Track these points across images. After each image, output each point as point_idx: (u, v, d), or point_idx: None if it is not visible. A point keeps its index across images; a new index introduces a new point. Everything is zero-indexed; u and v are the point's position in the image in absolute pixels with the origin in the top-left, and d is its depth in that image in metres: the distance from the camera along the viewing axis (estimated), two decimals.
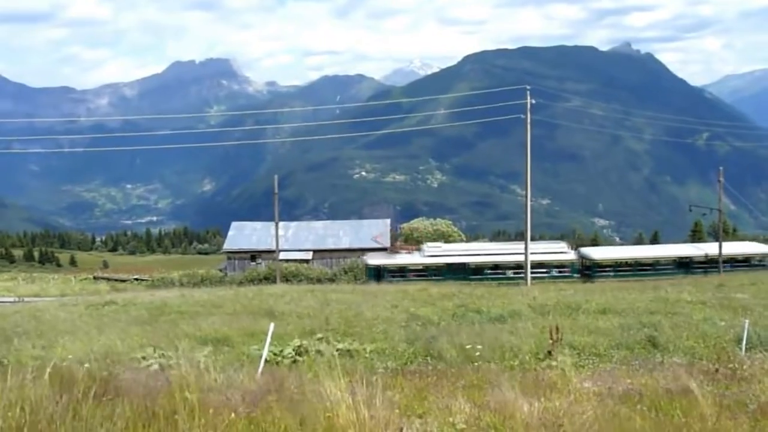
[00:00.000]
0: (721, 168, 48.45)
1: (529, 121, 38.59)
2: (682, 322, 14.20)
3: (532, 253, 42.01)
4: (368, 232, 62.30)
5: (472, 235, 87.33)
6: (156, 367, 8.34)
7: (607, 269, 44.82)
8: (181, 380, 6.53)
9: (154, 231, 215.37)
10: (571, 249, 48.31)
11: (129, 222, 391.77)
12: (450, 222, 69.55)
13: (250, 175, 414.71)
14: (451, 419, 6.04)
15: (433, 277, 43.20)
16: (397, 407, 6.26)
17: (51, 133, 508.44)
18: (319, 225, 70.76)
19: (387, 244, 57.90)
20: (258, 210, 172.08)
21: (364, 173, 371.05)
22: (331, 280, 46.65)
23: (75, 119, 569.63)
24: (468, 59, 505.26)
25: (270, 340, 9.47)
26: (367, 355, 10.89)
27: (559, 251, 46.48)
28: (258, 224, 65.47)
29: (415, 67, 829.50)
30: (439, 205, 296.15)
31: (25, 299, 39.95)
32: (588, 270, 45.02)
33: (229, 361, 10.33)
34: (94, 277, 69.47)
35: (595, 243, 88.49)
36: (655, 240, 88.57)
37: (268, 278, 47.30)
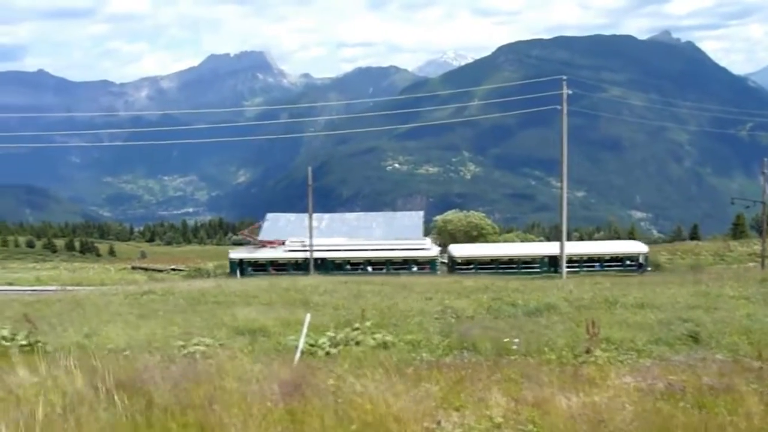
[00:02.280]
0: (766, 159, 47.17)
1: (565, 111, 38.00)
2: (724, 317, 13.84)
3: (390, 250, 45.59)
4: (401, 224, 62.28)
5: (506, 228, 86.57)
6: (194, 355, 8.45)
7: (470, 266, 45.04)
8: (218, 369, 6.60)
9: (190, 222, 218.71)
10: (438, 246, 48.73)
11: (166, 213, 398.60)
12: (483, 214, 69.12)
13: (285, 167, 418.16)
14: (488, 413, 5.98)
15: (293, 272, 44.09)
16: (433, 399, 6.23)
17: (91, 127, 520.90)
18: (352, 217, 71.00)
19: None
20: (292, 201, 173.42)
21: (397, 165, 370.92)
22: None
23: (114, 113, 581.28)
24: (502, 50, 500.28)
25: (306, 330, 9.51)
26: (402, 347, 10.87)
27: (421, 248, 46.90)
28: (292, 216, 65.98)
29: (449, 58, 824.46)
30: (472, 197, 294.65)
31: (67, 288, 41.00)
32: (452, 266, 45.50)
33: (266, 351, 10.42)
34: (132, 267, 70.90)
35: (632, 236, 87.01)
36: (694, 233, 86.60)
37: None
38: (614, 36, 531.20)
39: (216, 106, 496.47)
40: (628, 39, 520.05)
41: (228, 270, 47.20)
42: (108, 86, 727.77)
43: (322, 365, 8.22)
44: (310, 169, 48.51)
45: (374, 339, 11.00)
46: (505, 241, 59.86)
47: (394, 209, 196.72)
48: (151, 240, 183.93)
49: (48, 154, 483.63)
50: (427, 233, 63.84)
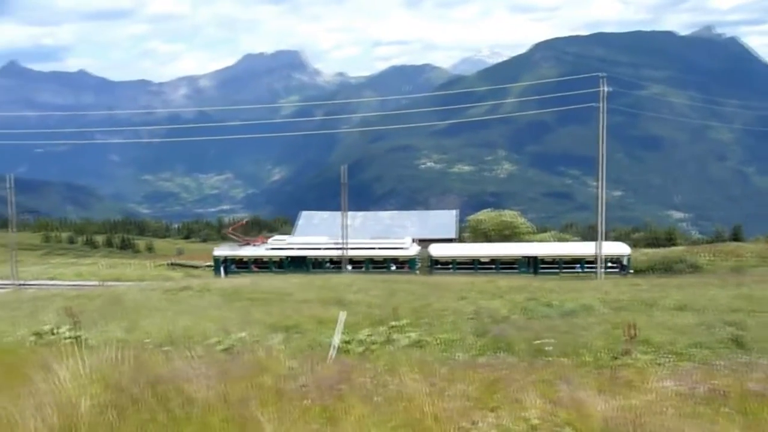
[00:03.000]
0: None
1: (603, 109, 37.42)
2: None
3: (370, 249, 46.00)
4: (435, 223, 62.17)
5: (541, 227, 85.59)
6: (231, 351, 8.55)
7: (448, 266, 44.95)
8: (255, 365, 6.67)
9: (226, 219, 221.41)
10: (417, 245, 48.52)
11: (202, 210, 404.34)
12: (517, 213, 68.42)
13: (319, 165, 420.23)
14: (524, 414, 5.92)
15: (275, 269, 44.93)
16: (468, 399, 6.20)
17: (130, 125, 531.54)
18: (385, 215, 71.10)
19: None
20: (326, 199, 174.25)
21: (431, 163, 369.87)
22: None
23: (152, 111, 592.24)
24: (539, 47, 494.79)
25: (341, 328, 9.55)
26: (436, 346, 10.84)
27: (400, 247, 46.90)
28: (326, 214, 66.37)
29: (484, 55, 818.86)
30: (506, 195, 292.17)
31: (107, 283, 41.97)
32: (431, 266, 45.46)
33: (300, 348, 10.50)
34: (169, 264, 72.03)
35: (670, 237, 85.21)
36: (737, 235, 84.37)
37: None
38: (654, 32, 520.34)
39: (251, 105, 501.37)
40: (669, 35, 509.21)
41: (213, 267, 48.11)
42: (147, 85, 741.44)
43: (357, 363, 8.25)
44: (344, 167, 48.64)
45: (408, 338, 11.00)
46: (541, 240, 59.23)
47: (427, 208, 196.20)
48: (187, 237, 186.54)
49: (89, 152, 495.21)
50: (460, 232, 63.53)
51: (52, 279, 52.29)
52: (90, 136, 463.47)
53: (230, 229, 59.31)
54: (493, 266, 44.28)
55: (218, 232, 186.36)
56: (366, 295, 20.34)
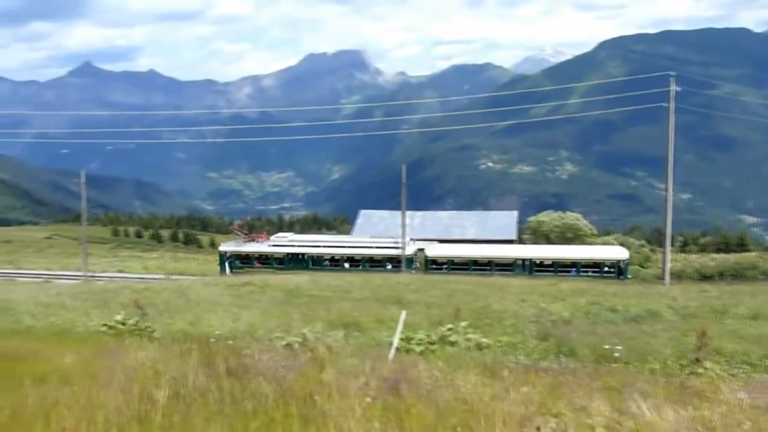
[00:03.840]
0: None
1: (672, 109, 36.19)
2: None
3: (364, 247, 46.45)
4: (495, 224, 61.42)
5: (604, 230, 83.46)
6: (293, 346, 8.68)
7: (443, 266, 44.66)
8: (317, 361, 6.74)
9: (286, 217, 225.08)
10: (414, 244, 47.95)
11: (263, 208, 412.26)
12: (579, 215, 66.94)
13: (379, 164, 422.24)
14: (589, 421, 5.78)
15: (276, 265, 45.71)
16: (531, 404, 6.10)
17: (195, 124, 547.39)
18: (444, 215, 70.72)
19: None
20: (385, 198, 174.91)
21: (490, 164, 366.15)
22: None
23: (217, 110, 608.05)
24: (604, 45, 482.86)
25: (401, 327, 9.55)
26: (496, 349, 10.72)
27: (396, 246, 46.56)
28: (385, 213, 66.51)
29: (547, 54, 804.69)
30: (568, 197, 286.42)
31: (172, 277, 43.29)
32: (427, 266, 45.29)
33: (360, 346, 10.55)
34: None
35: (742, 242, 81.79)
36: None
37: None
38: (727, 29, 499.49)
39: (314, 105, 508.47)
40: (742, 32, 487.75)
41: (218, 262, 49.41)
42: (212, 85, 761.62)
43: (417, 363, 8.24)
44: (404, 166, 48.58)
45: (468, 339, 10.91)
46: (604, 243, 57.80)
47: (487, 208, 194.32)
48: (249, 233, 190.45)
49: (156, 150, 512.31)
50: (520, 234, 62.62)
51: (120, 272, 54.37)
52: (157, 135, 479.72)
53: (235, 225, 60.45)
54: (489, 267, 43.84)
55: (279, 230, 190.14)
56: (424, 295, 20.29)
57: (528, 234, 62.02)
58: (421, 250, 47.08)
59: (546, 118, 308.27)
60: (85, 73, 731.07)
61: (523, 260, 43.78)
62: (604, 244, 58.88)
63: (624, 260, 42.51)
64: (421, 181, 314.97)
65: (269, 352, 7.31)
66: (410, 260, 45.43)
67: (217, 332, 11.30)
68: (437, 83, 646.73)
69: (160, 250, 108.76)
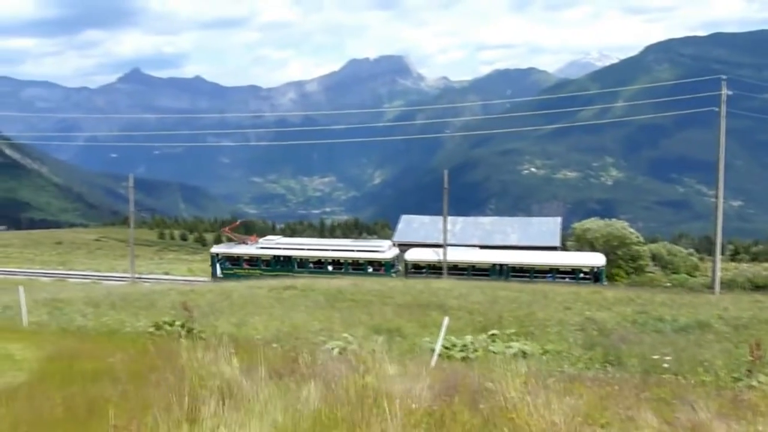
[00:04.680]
0: None
1: (723, 114, 35.18)
2: None
3: (347, 251, 47.15)
4: (538, 230, 60.62)
5: (650, 238, 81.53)
6: (337, 351, 8.72)
7: (422, 270, 45.43)
8: (362, 366, 6.75)
9: (328, 221, 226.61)
10: (396, 248, 48.83)
11: (305, 212, 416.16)
12: (626, 223, 65.48)
13: (421, 169, 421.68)
14: None
15: (263, 267, 46.91)
16: (577, 414, 5.99)
17: (240, 128, 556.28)
18: (486, 221, 70.11)
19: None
20: (426, 203, 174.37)
21: (533, 169, 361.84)
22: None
23: (261, 115, 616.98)
24: (651, 49, 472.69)
25: (444, 333, 9.51)
26: (540, 357, 10.56)
27: (377, 250, 47.07)
28: (426, 218, 66.30)
29: (592, 58, 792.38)
30: (613, 203, 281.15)
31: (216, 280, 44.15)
32: (406, 270, 46.01)
33: (402, 352, 10.53)
34: None
35: None
36: None
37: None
38: None
39: (356, 110, 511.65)
40: None
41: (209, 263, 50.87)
42: (256, 91, 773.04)
43: (460, 369, 8.18)
44: (446, 171, 48.42)
45: (512, 347, 10.79)
46: (650, 251, 56.50)
47: (529, 214, 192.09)
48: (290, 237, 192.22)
49: (201, 154, 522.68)
50: (564, 241, 61.64)
51: (165, 273, 55.59)
52: (203, 139, 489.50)
53: (227, 228, 61.46)
54: (466, 272, 44.44)
55: (320, 234, 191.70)
56: (466, 301, 20.15)
57: (572, 241, 60.93)
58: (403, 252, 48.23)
59: (591, 123, 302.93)
60: (134, 79, 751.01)
61: (501, 265, 44.46)
62: (650, 252, 57.67)
63: (600, 267, 42.82)
64: (463, 186, 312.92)
65: (314, 355, 7.35)
66: (391, 264, 46.20)
67: (261, 335, 11.43)
68: (480, 88, 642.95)
69: (204, 253, 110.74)
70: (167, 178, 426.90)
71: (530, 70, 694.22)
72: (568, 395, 7.00)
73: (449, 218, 50.65)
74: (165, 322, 12.33)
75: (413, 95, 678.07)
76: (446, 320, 9.78)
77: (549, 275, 42.73)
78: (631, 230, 59.28)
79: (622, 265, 53.68)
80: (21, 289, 15.59)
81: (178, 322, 11.98)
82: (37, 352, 9.23)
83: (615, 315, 16.72)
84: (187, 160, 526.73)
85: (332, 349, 8.92)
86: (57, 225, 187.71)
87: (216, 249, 51.55)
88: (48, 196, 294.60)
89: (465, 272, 44.26)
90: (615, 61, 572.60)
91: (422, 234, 61.51)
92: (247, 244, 51.02)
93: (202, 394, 5.17)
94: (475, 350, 10.12)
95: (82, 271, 56.29)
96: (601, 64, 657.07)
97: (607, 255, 55.55)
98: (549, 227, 61.47)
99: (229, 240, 53.02)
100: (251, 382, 5.50)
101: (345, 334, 11.05)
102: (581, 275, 42.22)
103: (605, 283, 41.84)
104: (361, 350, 8.54)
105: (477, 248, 51.31)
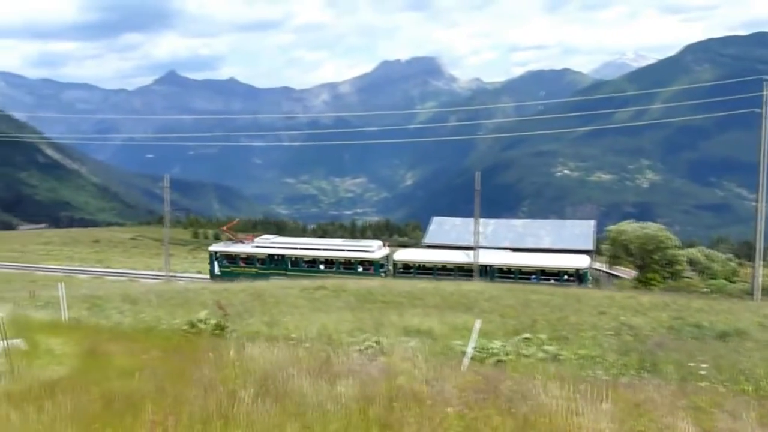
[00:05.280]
0: None
1: (765, 115, 34.32)
2: None
3: (338, 251, 48.18)
4: (571, 233, 59.92)
5: (688, 242, 79.77)
6: (368, 351, 8.74)
7: (409, 270, 45.93)
8: (394, 367, 6.76)
9: (359, 223, 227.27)
10: (386, 248, 49.28)
11: (336, 213, 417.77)
12: (662, 226, 64.23)
13: (453, 170, 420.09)
14: None
15: (258, 265, 48.23)
16: (612, 420, 5.90)
17: (273, 129, 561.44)
18: (518, 223, 69.49)
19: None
20: (457, 205, 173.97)
21: (567, 171, 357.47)
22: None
23: (293, 116, 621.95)
24: (690, 48, 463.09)
25: (475, 336, 9.45)
26: (574, 362, 10.43)
27: (366, 250, 47.74)
28: (458, 220, 66.02)
29: (628, 59, 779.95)
30: (648, 207, 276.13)
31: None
32: (395, 270, 46.53)
33: (433, 354, 10.50)
34: None
35: None
36: None
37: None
38: None
39: (388, 111, 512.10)
40: None
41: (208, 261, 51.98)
42: (289, 92, 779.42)
43: (492, 373, 8.12)
44: (478, 173, 48.17)
45: (545, 351, 10.68)
46: (687, 255, 55.34)
47: (562, 217, 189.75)
48: (321, 238, 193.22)
49: (235, 155, 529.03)
50: (598, 243, 60.77)
51: (199, 272, 56.34)
52: (236, 140, 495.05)
53: (225, 227, 62.30)
54: (452, 272, 45.17)
55: (351, 235, 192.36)
56: (498, 304, 20.00)
57: (607, 244, 60.02)
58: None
59: (626, 125, 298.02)
60: (170, 81, 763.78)
61: (487, 266, 44.89)
62: (687, 256, 56.50)
63: (583, 268, 42.96)
64: (495, 188, 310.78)
65: (346, 356, 7.38)
66: (380, 264, 46.80)
67: (293, 335, 11.51)
68: (513, 89, 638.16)
69: None
70: (202, 179, 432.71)
71: (564, 71, 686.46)
72: (602, 401, 6.91)
73: (481, 220, 50.39)
74: (199, 320, 12.51)
75: (445, 96, 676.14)
76: (478, 323, 9.71)
77: (533, 276, 43.33)
78: (668, 234, 58.15)
79: (657, 270, 52.66)
80: (61, 285, 15.98)
81: (212, 320, 12.15)
82: (76, 348, 9.44)
83: (650, 320, 16.41)
84: (221, 160, 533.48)
85: (364, 349, 8.94)
86: (95, 223, 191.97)
87: (214, 247, 52.42)
88: (87, 196, 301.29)
89: (451, 273, 45.11)
90: (652, 61, 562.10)
91: (453, 236, 61.26)
92: (243, 242, 51.94)
93: (236, 392, 5.23)
94: (507, 354, 10.04)
95: (118, 268, 57.41)
96: (637, 64, 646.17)
97: (642, 259, 54.63)
98: (582, 230, 60.70)
99: (229, 239, 53.58)
100: (286, 381, 5.55)
101: (376, 336, 11.07)
102: (565, 277, 42.69)
103: (590, 286, 42.16)
104: (393, 351, 8.54)
105: (509, 251, 51.01)
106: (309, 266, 48.17)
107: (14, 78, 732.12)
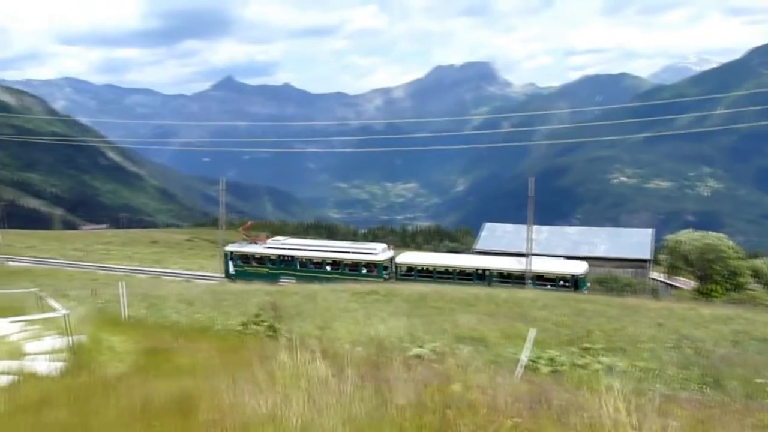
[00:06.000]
0: None
1: None
2: None
3: (344, 252, 48.95)
4: (628, 242, 58.52)
5: (752, 252, 76.69)
6: (421, 357, 8.68)
7: (411, 273, 47.02)
8: (447, 374, 6.69)
9: (409, 228, 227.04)
10: (390, 251, 49.85)
11: (387, 218, 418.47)
12: (723, 236, 61.92)
13: (505, 176, 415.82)
14: None
15: (269, 265, 49.80)
16: None
17: (326, 135, 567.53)
18: (573, 231, 68.28)
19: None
20: (510, 211, 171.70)
21: (623, 178, 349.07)
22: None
23: (346, 122, 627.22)
24: (757, 51, 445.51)
25: (530, 345, 9.29)
26: (631, 374, 10.12)
27: (370, 252, 48.27)
28: (510, 226, 65.30)
29: (690, 63, 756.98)
30: (710, 216, 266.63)
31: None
32: (397, 273, 47.41)
33: (486, 362, 10.36)
34: None
35: None
36: None
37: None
38: None
39: (440, 116, 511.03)
40: None
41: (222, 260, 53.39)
42: (343, 98, 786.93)
43: (546, 383, 7.95)
44: (531, 179, 47.49)
45: (600, 362, 10.40)
46: (751, 267, 53.35)
47: (618, 225, 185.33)
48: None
49: (289, 160, 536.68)
50: (655, 253, 59.11)
51: None
52: (290, 145, 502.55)
53: (240, 228, 63.60)
54: (450, 276, 45.76)
55: (402, 240, 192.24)
56: (552, 313, 19.63)
57: (665, 254, 58.29)
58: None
59: (687, 131, 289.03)
60: (227, 87, 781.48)
61: (484, 270, 45.44)
62: (752, 268, 54.45)
63: (579, 274, 42.92)
64: (549, 194, 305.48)
65: (398, 361, 7.35)
66: (383, 266, 47.43)
67: (344, 338, 11.55)
68: (568, 94, 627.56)
69: None
70: (256, 182, 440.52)
71: (622, 76, 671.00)
72: (663, 417, 6.67)
73: (534, 227, 49.65)
74: (254, 321, 12.71)
75: (499, 101, 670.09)
76: (533, 332, 9.54)
77: (530, 282, 43.54)
78: (730, 243, 56.04)
79: (719, 281, 50.81)
80: (122, 284, 16.47)
81: (266, 322, 12.32)
82: (135, 345, 9.69)
83: (712, 333, 15.81)
84: (275, 165, 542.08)
85: (417, 355, 8.89)
86: (153, 225, 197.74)
87: (229, 248, 53.63)
88: (146, 198, 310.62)
89: (450, 276, 45.90)
90: (715, 65, 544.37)
91: (505, 242, 60.60)
92: (257, 243, 53.00)
93: (290, 394, 5.26)
94: (562, 364, 9.82)
95: (174, 269, 58.89)
96: (699, 68, 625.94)
97: (702, 270, 52.81)
98: (640, 239, 59.24)
99: (245, 240, 54.74)
100: (338, 385, 5.55)
101: (429, 342, 11.00)
102: (561, 282, 42.94)
103: (585, 291, 42.33)
104: (446, 358, 8.46)
105: (563, 258, 50.20)
106: (316, 267, 49.36)
107: (80, 84, 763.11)
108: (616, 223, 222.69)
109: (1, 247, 63.72)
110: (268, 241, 54.68)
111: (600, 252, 57.39)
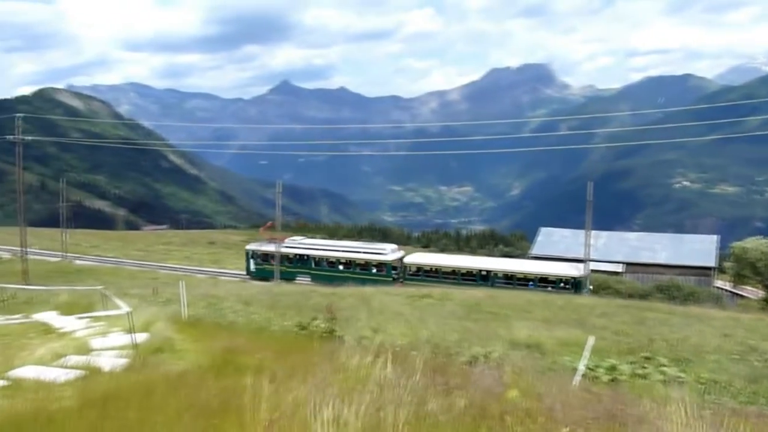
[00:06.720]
0: None
1: None
2: None
3: (356, 252, 50.54)
4: (691, 249, 56.67)
5: None
6: (477, 363, 8.62)
7: (418, 274, 47.98)
8: (504, 381, 6.62)
9: (463, 232, 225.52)
10: (400, 252, 51.51)
11: (441, 221, 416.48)
12: None
13: (562, 180, 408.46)
14: None
15: (287, 264, 51.76)
16: None
17: (380, 138, 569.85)
18: (632, 236, 66.49)
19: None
20: (565, 216, 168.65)
21: (686, 183, 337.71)
22: (643, 297, 43.58)
23: (401, 125, 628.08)
24: None
25: (588, 354, 9.09)
26: (695, 386, 9.78)
27: (379, 252, 49.77)
28: (567, 231, 64.13)
29: (759, 63, 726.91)
30: None
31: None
32: (405, 273, 48.26)
33: (542, 369, 10.19)
34: None
35: None
36: None
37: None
38: None
39: (496, 119, 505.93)
40: None
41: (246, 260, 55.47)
42: (397, 101, 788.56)
43: (606, 393, 7.76)
44: (590, 183, 46.52)
45: (663, 373, 10.09)
46: None
47: (680, 231, 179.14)
48: (426, 246, 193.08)
49: (344, 163, 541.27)
50: (721, 260, 56.99)
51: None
52: (345, 148, 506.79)
53: (261, 228, 67.19)
54: (455, 277, 46.52)
55: (456, 243, 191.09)
56: (611, 320, 19.16)
57: (731, 261, 56.11)
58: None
59: (756, 133, 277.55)
60: (284, 90, 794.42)
61: (484, 272, 46.19)
62: None
63: (579, 277, 43.22)
64: (608, 199, 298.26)
65: (454, 366, 7.32)
66: (392, 267, 48.74)
67: (398, 342, 11.56)
68: (629, 96, 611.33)
69: None
70: (311, 185, 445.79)
71: (686, 77, 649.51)
72: (731, 431, 6.42)
73: (592, 232, 48.63)
74: (310, 323, 12.87)
75: (557, 104, 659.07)
76: (591, 339, 9.34)
77: (531, 283, 44.30)
78: None
79: None
80: (182, 284, 16.92)
81: (322, 324, 12.46)
82: (194, 344, 9.95)
83: None
84: (330, 168, 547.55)
85: (472, 361, 8.83)
86: (211, 226, 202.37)
87: (250, 246, 55.99)
88: (204, 199, 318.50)
89: (455, 277, 46.68)
90: None
91: (562, 247, 59.51)
92: (275, 242, 54.34)
93: (350, 397, 5.29)
94: (622, 373, 9.57)
95: (231, 270, 60.15)
96: None
97: None
98: (704, 245, 57.27)
99: (271, 239, 56.52)
100: (397, 388, 5.57)
101: (484, 347, 10.90)
102: (561, 284, 43.54)
103: (587, 293, 42.40)
104: (502, 364, 8.37)
105: (622, 265, 49.32)
106: (330, 266, 51.12)
107: (143, 89, 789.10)
108: (678, 229, 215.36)
109: (68, 246, 66.43)
110: (286, 240, 56.28)
111: (661, 259, 55.76)
